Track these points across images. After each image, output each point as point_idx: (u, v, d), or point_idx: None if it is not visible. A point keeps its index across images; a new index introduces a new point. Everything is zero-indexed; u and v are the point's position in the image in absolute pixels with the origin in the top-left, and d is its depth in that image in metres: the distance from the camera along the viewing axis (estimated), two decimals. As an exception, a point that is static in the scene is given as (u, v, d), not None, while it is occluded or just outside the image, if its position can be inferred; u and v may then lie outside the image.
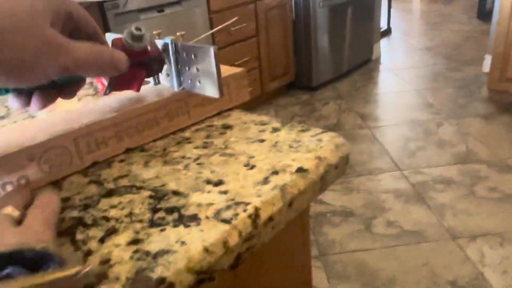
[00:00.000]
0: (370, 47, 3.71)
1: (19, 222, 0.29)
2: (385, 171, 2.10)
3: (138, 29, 0.39)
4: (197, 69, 0.42)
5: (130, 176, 0.38)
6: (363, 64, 3.68)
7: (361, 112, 2.78)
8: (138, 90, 0.43)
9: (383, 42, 4.27)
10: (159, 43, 0.44)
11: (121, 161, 0.41)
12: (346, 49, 3.37)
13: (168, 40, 0.43)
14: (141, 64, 0.42)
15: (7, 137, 0.38)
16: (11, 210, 0.29)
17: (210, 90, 0.42)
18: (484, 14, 4.76)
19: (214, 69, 0.40)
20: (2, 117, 0.54)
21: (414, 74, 3.39)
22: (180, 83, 0.45)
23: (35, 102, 0.34)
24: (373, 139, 2.42)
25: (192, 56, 0.42)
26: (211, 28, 2.44)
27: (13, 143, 0.36)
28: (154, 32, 0.47)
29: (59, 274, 0.22)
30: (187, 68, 0.43)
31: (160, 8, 2.18)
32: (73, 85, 0.37)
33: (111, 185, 0.36)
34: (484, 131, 2.41)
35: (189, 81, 0.44)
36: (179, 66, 0.44)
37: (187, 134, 0.45)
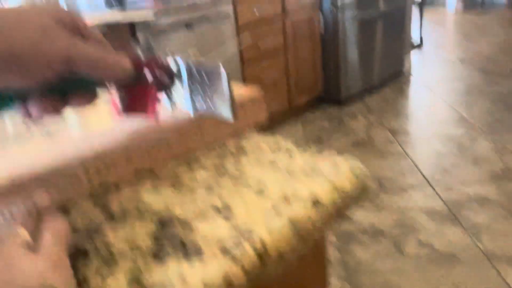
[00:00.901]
0: (401, 59, 3.64)
1: (31, 245, 0.28)
2: (417, 189, 2.03)
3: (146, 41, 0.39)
4: (209, 90, 0.41)
5: (137, 201, 0.36)
6: (394, 78, 3.61)
7: (391, 126, 2.72)
8: (154, 115, 0.42)
9: (415, 55, 4.18)
10: (171, 62, 0.43)
11: (130, 184, 0.39)
12: (376, 62, 3.32)
13: (180, 59, 0.42)
14: (150, 79, 0.41)
15: (18, 160, 0.37)
16: (23, 234, 0.28)
17: (224, 113, 0.40)
18: (522, 24, 4.59)
19: (227, 91, 0.39)
20: (21, 135, 0.55)
21: (447, 88, 3.29)
22: (194, 105, 0.44)
23: (35, 106, 0.33)
24: (404, 155, 2.35)
25: (205, 77, 0.41)
26: (239, 43, 2.45)
27: (23, 168, 0.36)
28: (167, 50, 0.46)
29: None
30: (199, 87, 0.42)
31: (189, 25, 2.21)
32: (83, 92, 0.35)
33: (117, 211, 0.35)
34: (523, 147, 2.30)
35: (203, 103, 0.42)
36: (192, 87, 0.43)
37: (199, 156, 0.44)
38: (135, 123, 0.42)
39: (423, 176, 2.12)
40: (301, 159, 0.40)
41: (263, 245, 0.30)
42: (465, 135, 2.49)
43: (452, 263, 1.56)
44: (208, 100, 0.41)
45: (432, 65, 3.97)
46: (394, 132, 2.63)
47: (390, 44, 3.40)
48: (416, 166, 2.22)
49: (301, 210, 0.33)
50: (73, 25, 0.33)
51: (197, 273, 0.27)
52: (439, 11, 6.56)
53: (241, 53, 2.46)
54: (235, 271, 0.27)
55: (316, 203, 0.33)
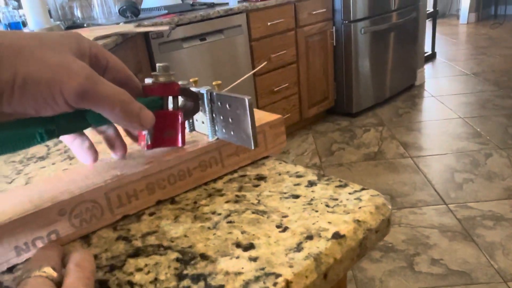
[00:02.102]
0: (413, 72, 3.63)
1: (58, 283, 0.28)
2: (429, 204, 2.01)
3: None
4: (232, 119, 0.41)
5: (158, 233, 0.36)
6: (406, 90, 3.59)
7: (403, 140, 2.70)
8: (180, 142, 0.42)
9: (427, 67, 4.16)
10: (194, 91, 0.43)
11: (151, 214, 0.40)
12: (388, 74, 3.31)
13: (203, 90, 0.42)
14: (176, 106, 0.41)
15: (40, 189, 0.38)
16: (49, 271, 0.28)
17: (244, 140, 0.40)
18: (537, 38, 4.55)
19: (248, 120, 0.39)
20: (42, 158, 0.56)
21: (460, 101, 3.26)
22: (214, 132, 0.44)
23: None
24: (416, 169, 2.33)
25: (227, 105, 0.41)
26: (252, 55, 2.46)
27: (45, 196, 0.36)
28: (191, 80, 0.46)
29: None
30: (221, 117, 0.42)
31: (202, 37, 2.23)
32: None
33: (138, 243, 0.35)
34: (539, 164, 2.26)
35: (224, 130, 0.42)
36: (213, 115, 0.43)
37: (219, 185, 0.44)
38: (156, 152, 0.42)
39: (436, 191, 2.10)
40: (323, 191, 0.40)
41: (286, 283, 0.29)
42: (478, 150, 2.46)
43: (465, 281, 1.53)
44: (229, 128, 0.41)
45: (445, 78, 3.95)
46: (406, 146, 2.61)
47: (403, 56, 3.39)
48: (429, 181, 2.20)
49: (324, 246, 0.32)
50: (95, 60, 0.34)
51: (222, 315, 0.27)
52: (452, 23, 6.53)
53: (253, 66, 2.48)
54: (260, 314, 0.27)
55: (339, 238, 0.33)
